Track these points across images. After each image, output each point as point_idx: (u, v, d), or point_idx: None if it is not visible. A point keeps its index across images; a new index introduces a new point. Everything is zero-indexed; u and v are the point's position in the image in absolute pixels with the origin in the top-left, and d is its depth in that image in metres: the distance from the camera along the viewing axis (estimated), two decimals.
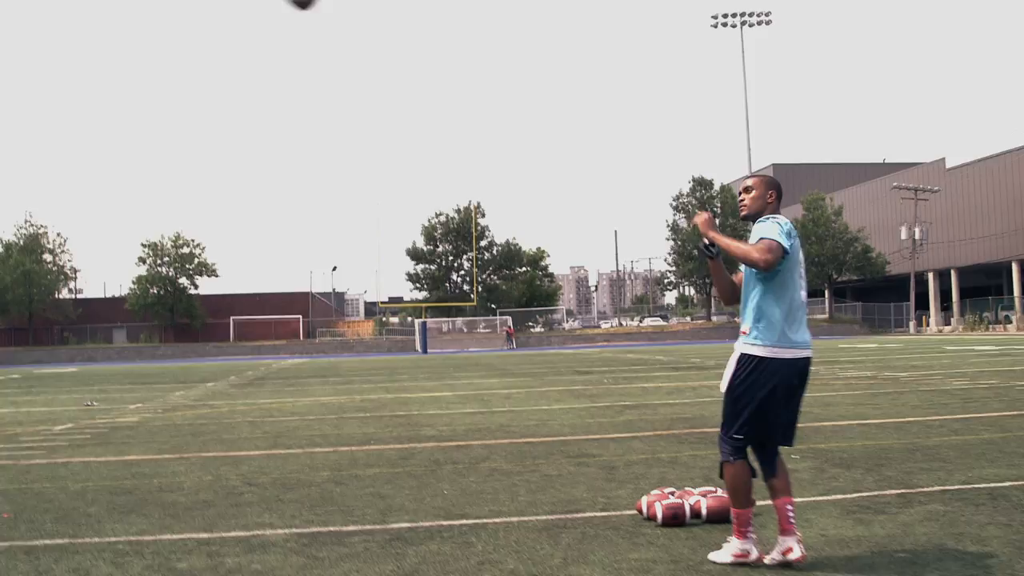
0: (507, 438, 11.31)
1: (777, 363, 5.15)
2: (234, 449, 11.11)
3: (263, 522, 6.68)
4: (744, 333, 5.27)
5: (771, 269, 5.10)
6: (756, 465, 5.36)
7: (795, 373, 5.21)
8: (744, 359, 5.23)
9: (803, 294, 5.32)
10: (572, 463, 9.04)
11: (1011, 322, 68.30)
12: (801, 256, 5.34)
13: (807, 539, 5.63)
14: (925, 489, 7.13)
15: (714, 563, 5.21)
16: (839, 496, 6.98)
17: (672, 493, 6.45)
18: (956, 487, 7.16)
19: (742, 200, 5.49)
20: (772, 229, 5.14)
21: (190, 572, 5.37)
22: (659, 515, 6.12)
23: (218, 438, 12.36)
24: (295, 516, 6.87)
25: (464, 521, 6.48)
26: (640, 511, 6.38)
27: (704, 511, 6.18)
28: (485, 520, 6.47)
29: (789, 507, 5.17)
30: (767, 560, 5.13)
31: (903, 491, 7.10)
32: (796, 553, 5.03)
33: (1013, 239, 70.02)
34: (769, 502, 5.48)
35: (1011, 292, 72.18)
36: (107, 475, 9.25)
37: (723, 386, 5.35)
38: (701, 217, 5.48)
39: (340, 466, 9.38)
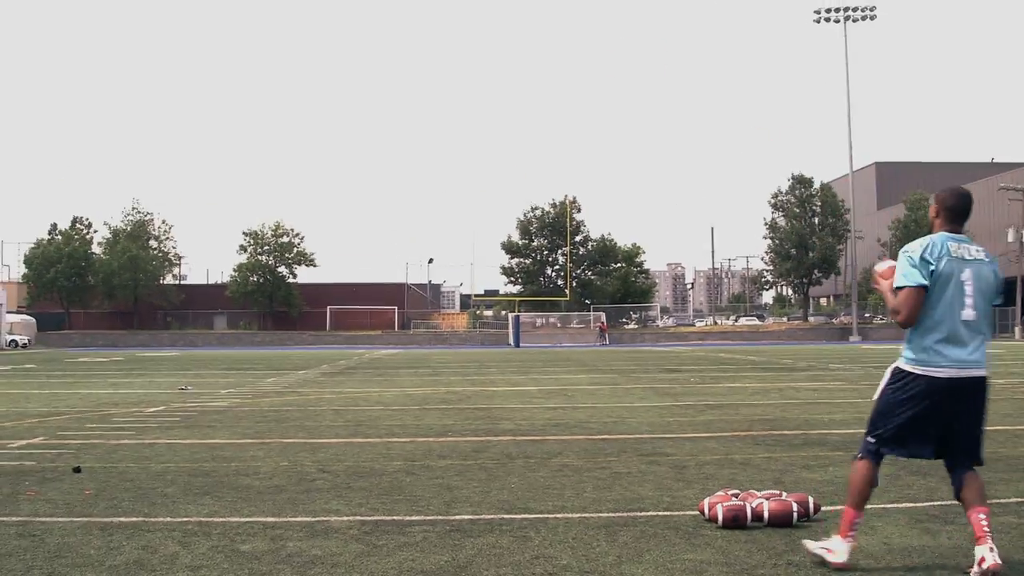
0: (583, 434, 11.32)
1: (922, 379, 5.20)
2: (315, 436, 11.31)
3: (330, 508, 6.81)
4: None
5: (911, 321, 5.22)
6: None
7: (940, 389, 5.17)
8: (895, 372, 5.40)
9: (964, 311, 5.20)
10: (643, 461, 9.01)
11: None
12: (960, 272, 5.20)
13: (870, 547, 5.57)
14: (1002, 500, 6.95)
15: (803, 548, 5.34)
16: (910, 504, 6.85)
17: (735, 495, 6.40)
18: (1014, 499, 6.97)
19: None
20: (899, 272, 5.24)
21: (252, 554, 5.50)
22: (720, 517, 6.08)
23: (301, 425, 12.59)
24: (362, 504, 6.98)
25: (526, 515, 6.52)
26: (702, 512, 6.34)
27: (766, 514, 6.11)
28: (546, 515, 6.50)
29: (981, 515, 5.04)
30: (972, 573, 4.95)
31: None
32: (989, 561, 4.86)
33: None
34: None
35: None
36: (189, 457, 9.50)
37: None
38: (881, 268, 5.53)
39: (414, 456, 9.49)
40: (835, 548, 5.18)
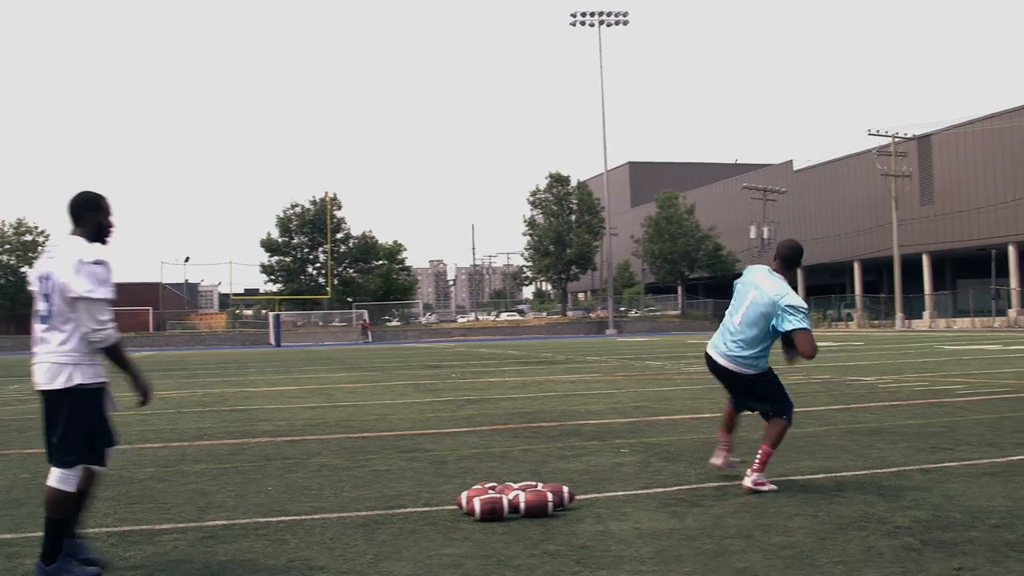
0: (343, 433, 11.20)
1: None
2: None
3: None
4: None
5: None
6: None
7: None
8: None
9: (729, 318, 7.48)
10: (403, 458, 9.00)
11: (852, 319, 70.96)
12: (739, 289, 7.63)
13: (621, 532, 5.73)
14: (742, 481, 7.31)
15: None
16: (660, 489, 7.10)
17: (492, 488, 6.47)
18: (772, 479, 7.35)
19: None
20: (804, 320, 7.41)
21: None
22: (477, 510, 6.13)
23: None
24: (108, 514, 6.67)
25: (282, 518, 6.38)
26: (460, 506, 6.38)
27: (522, 506, 6.20)
28: (303, 516, 6.38)
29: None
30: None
31: (721, 484, 7.27)
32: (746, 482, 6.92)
33: (856, 239, 72.72)
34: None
35: (853, 291, 74.98)
36: None
37: None
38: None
39: (167, 462, 9.15)
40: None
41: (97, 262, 5.02)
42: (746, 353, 7.20)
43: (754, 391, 7.30)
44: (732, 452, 7.60)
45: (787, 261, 7.41)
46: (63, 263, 5.01)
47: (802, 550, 5.25)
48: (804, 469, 7.84)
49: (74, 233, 5.18)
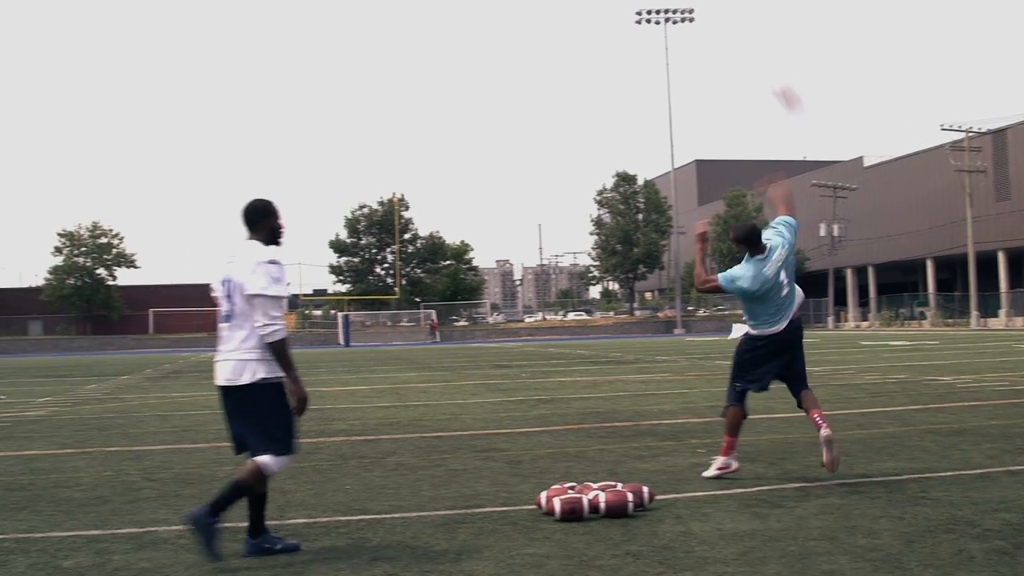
0: (417, 432, 11.25)
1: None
2: (139, 444, 10.91)
3: (157, 518, 6.55)
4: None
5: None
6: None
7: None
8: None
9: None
10: (479, 457, 9.01)
11: (926, 318, 69.78)
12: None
13: (703, 533, 5.67)
14: (824, 483, 7.21)
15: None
16: (739, 490, 7.02)
17: (571, 488, 6.44)
18: (854, 480, 7.25)
19: None
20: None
21: (76, 570, 5.24)
22: (557, 510, 6.11)
23: (124, 432, 12.13)
24: None
25: (362, 517, 6.41)
26: (539, 506, 6.36)
27: (603, 506, 6.17)
28: (384, 515, 6.41)
29: (815, 415, 7.39)
30: None
31: (802, 484, 7.17)
32: (823, 433, 7.24)
33: (928, 236, 71.49)
34: None
35: (926, 289, 73.73)
36: (3, 471, 9.02)
37: None
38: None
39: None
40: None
41: (271, 262, 5.37)
42: None
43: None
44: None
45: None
46: (242, 265, 5.36)
47: (890, 553, 5.16)
48: (886, 470, 7.71)
49: (251, 238, 5.55)
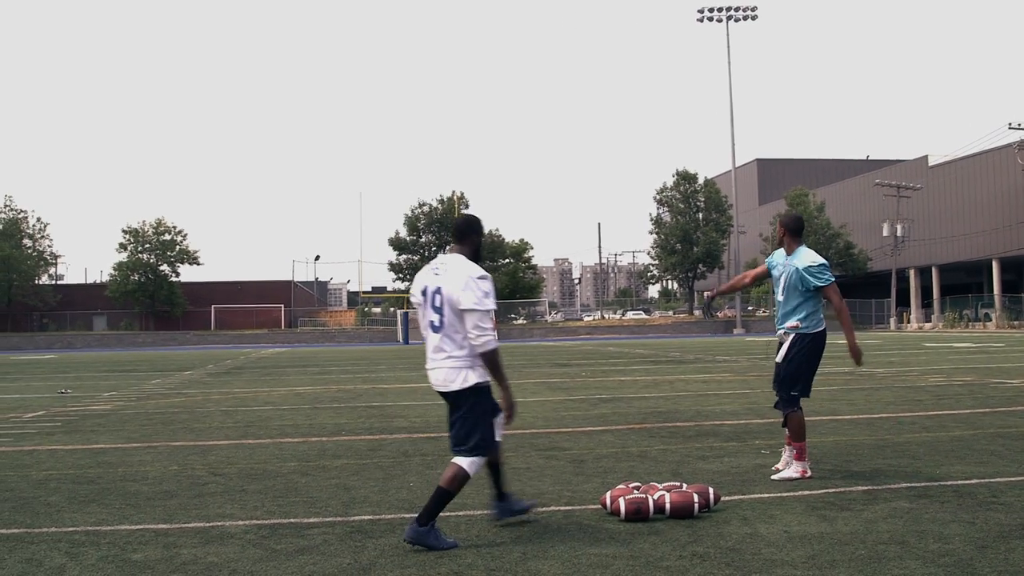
0: None
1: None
2: (203, 438, 11.03)
3: (224, 513, 6.62)
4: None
5: None
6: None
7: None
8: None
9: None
10: (541, 456, 9.00)
11: (991, 320, 68.55)
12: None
13: (770, 535, 5.61)
14: (892, 486, 7.11)
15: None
16: (805, 492, 6.95)
17: (636, 488, 6.41)
18: (922, 484, 7.14)
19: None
20: (827, 273, 7.76)
21: (144, 563, 5.30)
22: (622, 510, 6.08)
23: (188, 427, 12.27)
24: (257, 507, 6.80)
25: None
26: (604, 506, 6.34)
27: (668, 506, 6.13)
28: (448, 513, 6.39)
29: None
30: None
31: (869, 488, 7.07)
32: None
33: (994, 237, 70.24)
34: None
35: (991, 290, 72.39)
36: (72, 464, 9.16)
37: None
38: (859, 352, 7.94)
39: (308, 457, 9.32)
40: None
41: (482, 277, 5.71)
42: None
43: None
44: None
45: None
46: (453, 279, 5.71)
47: (961, 558, 5.07)
48: (955, 474, 7.58)
49: (458, 251, 5.92)
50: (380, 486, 7.58)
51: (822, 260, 7.69)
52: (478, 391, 5.74)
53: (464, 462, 5.65)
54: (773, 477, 7.55)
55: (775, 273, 7.91)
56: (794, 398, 7.60)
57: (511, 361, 30.40)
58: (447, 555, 5.33)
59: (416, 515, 5.62)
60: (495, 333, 5.71)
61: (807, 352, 7.66)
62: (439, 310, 5.76)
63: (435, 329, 5.80)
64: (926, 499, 6.59)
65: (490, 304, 5.67)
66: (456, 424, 5.80)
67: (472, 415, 5.73)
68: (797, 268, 7.62)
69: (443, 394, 5.88)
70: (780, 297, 7.80)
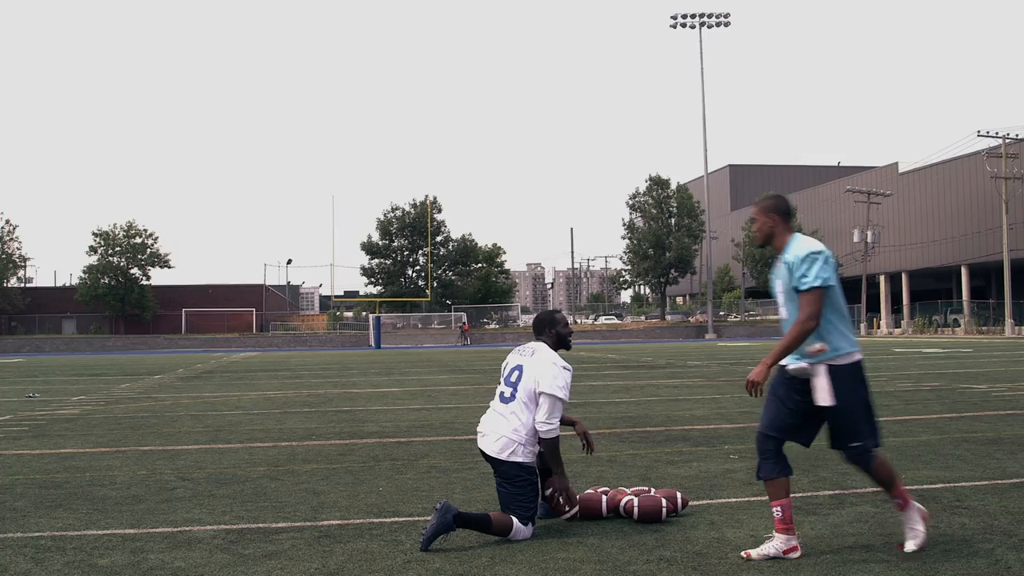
0: (450, 435, 11.27)
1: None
2: (172, 443, 10.98)
3: (192, 518, 6.59)
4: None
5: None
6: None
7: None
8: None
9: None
10: None
11: (959, 325, 69.18)
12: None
13: (737, 539, 5.64)
14: (858, 490, 7.16)
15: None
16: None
17: (604, 492, 6.43)
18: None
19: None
20: (813, 272, 5.38)
21: (111, 568, 5.27)
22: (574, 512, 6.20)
23: (158, 432, 12.20)
24: (225, 512, 6.78)
25: (396, 519, 6.43)
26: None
27: (636, 511, 6.16)
28: (417, 518, 6.41)
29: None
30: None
31: (837, 492, 7.13)
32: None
33: (963, 244, 70.92)
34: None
35: (960, 296, 73.10)
36: (39, 468, 9.10)
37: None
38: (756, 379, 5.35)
39: (278, 461, 9.29)
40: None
41: (566, 368, 6.07)
42: None
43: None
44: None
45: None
46: (539, 362, 6.08)
47: (925, 562, 5.11)
48: (921, 479, 7.64)
49: (541, 340, 6.33)
50: (349, 491, 7.57)
51: (812, 248, 5.44)
52: (525, 468, 5.96)
53: (517, 523, 5.80)
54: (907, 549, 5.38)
55: (775, 288, 5.71)
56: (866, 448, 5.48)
57: (483, 365, 30.44)
58: (415, 560, 5.33)
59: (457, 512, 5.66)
60: (558, 425, 5.99)
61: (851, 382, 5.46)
62: (514, 385, 6.06)
63: (503, 400, 6.09)
64: (892, 504, 6.64)
65: (566, 395, 5.99)
66: (502, 491, 5.97)
67: (515, 487, 5.88)
68: (786, 263, 5.50)
69: (489, 458, 6.05)
70: (784, 314, 5.57)
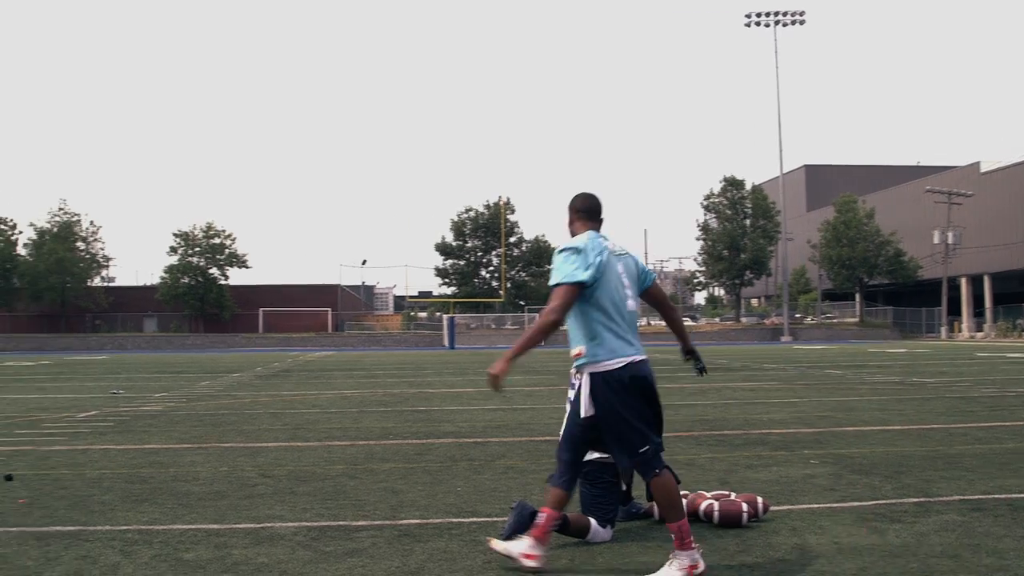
0: (526, 435, 11.27)
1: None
2: (253, 440, 11.13)
3: (273, 514, 6.67)
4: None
5: (564, 315, 5.26)
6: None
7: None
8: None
9: (628, 303, 5.48)
10: None
11: None
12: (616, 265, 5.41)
13: (820, 546, 5.57)
14: (944, 498, 7.02)
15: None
16: (855, 503, 6.88)
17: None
18: (976, 497, 7.05)
19: None
20: (560, 269, 5.25)
21: (196, 563, 5.36)
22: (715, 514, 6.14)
23: (238, 429, 12.38)
24: (306, 509, 6.85)
25: (474, 519, 6.46)
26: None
27: (716, 515, 6.12)
28: (495, 518, 6.43)
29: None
30: None
31: (921, 500, 6.99)
32: None
33: None
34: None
35: None
36: (125, 463, 9.28)
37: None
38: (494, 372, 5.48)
39: (356, 460, 9.37)
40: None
41: None
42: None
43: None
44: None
45: (595, 214, 5.65)
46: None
47: (1017, 573, 5.00)
48: (1010, 487, 7.47)
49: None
50: (428, 490, 7.60)
51: (568, 244, 5.38)
52: (608, 469, 6.08)
53: (595, 524, 5.80)
54: None
55: None
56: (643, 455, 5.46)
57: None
58: (494, 560, 5.34)
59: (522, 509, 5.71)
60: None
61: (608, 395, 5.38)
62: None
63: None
64: (979, 512, 6.51)
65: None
66: (583, 491, 6.00)
67: (596, 488, 6.01)
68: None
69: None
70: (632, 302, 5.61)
